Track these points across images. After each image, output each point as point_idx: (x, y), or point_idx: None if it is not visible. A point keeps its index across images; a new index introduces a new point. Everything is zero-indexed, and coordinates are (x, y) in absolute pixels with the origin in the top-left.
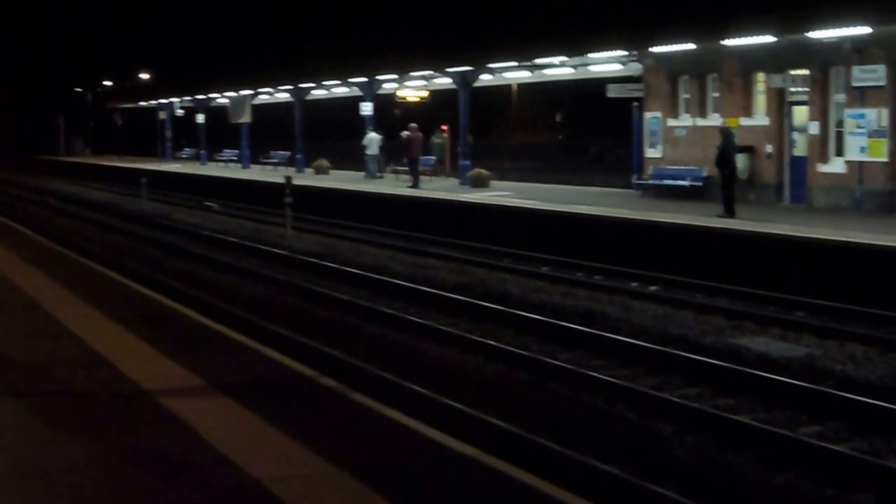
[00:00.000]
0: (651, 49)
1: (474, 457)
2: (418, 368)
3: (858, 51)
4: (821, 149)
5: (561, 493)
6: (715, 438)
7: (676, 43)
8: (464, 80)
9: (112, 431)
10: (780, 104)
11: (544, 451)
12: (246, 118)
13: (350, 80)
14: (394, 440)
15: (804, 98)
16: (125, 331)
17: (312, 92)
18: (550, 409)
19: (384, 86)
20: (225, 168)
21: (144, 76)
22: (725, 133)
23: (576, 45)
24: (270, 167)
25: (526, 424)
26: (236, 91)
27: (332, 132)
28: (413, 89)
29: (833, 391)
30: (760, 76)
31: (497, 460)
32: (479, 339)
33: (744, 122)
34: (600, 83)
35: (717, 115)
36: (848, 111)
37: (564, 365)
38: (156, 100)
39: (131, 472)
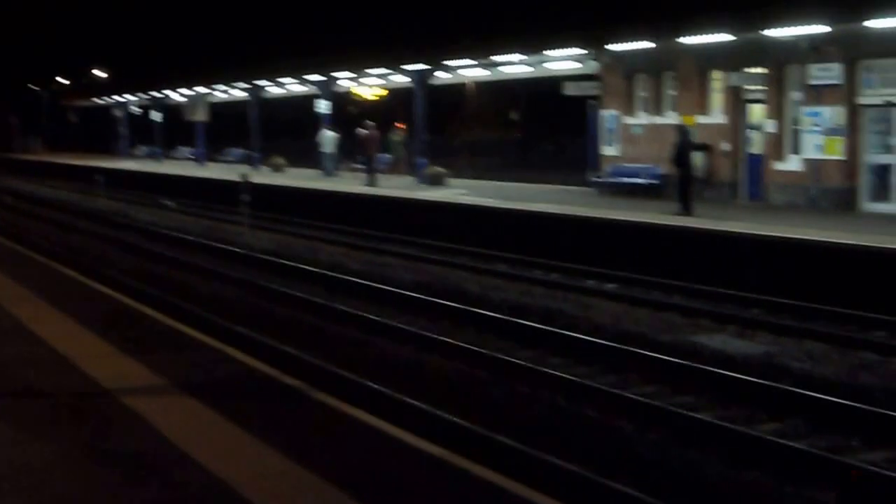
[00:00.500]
0: (608, 47)
1: (440, 456)
2: (378, 367)
3: (815, 49)
4: (777, 147)
5: (525, 491)
6: (675, 436)
7: (633, 41)
8: (421, 78)
9: (74, 431)
10: (737, 102)
11: (508, 449)
12: (202, 116)
13: (306, 78)
14: (358, 439)
15: (760, 96)
16: (85, 330)
17: (269, 90)
18: (511, 407)
19: (341, 83)
20: (181, 166)
21: (100, 74)
22: (682, 131)
23: (533, 43)
24: (226, 165)
25: (488, 423)
26: (192, 89)
27: (288, 130)
28: (370, 87)
29: (791, 388)
30: (717, 74)
31: (462, 459)
32: (438, 337)
33: (700, 120)
34: (557, 81)
35: (673, 113)
36: (804, 109)
37: (524, 363)
38: (111, 97)
39: (95, 471)
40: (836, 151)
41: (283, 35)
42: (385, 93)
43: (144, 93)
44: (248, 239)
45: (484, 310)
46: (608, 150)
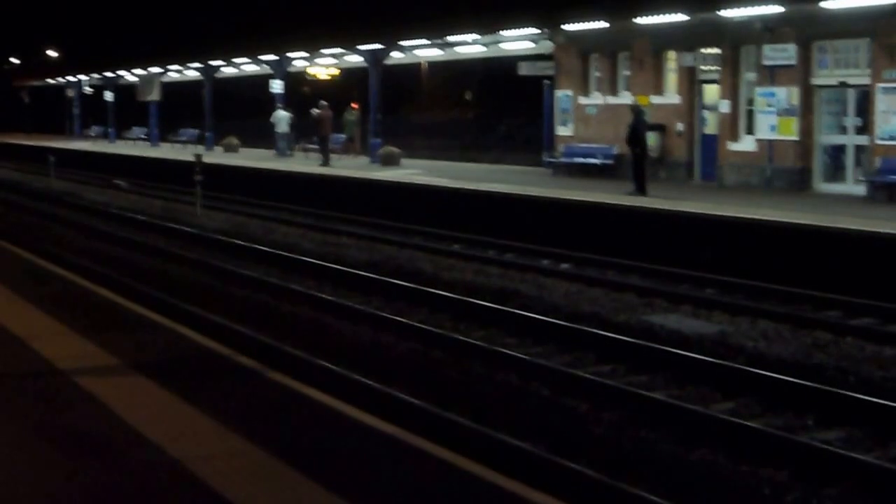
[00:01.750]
0: (563, 27)
1: (394, 434)
2: (332, 346)
3: (769, 29)
4: (731, 127)
5: (480, 469)
6: (629, 415)
7: (588, 21)
8: (375, 58)
9: (28, 411)
10: (691, 82)
11: (462, 428)
12: (154, 96)
13: (260, 57)
14: (312, 418)
15: (715, 76)
16: (37, 310)
17: (222, 69)
18: (465, 386)
19: (294, 63)
20: (134, 146)
21: (52, 53)
22: (636, 111)
23: (488, 23)
24: (180, 145)
25: (442, 402)
26: (145, 68)
27: (242, 110)
28: (324, 67)
29: (745, 367)
30: (671, 54)
31: (417, 437)
32: (392, 316)
33: (655, 100)
34: (512, 61)
35: (628, 93)
36: (758, 90)
37: (478, 342)
38: (64, 77)
39: (49, 452)
40: (790, 132)
41: (237, 14)
42: (338, 73)
43: (97, 72)
44: (201, 219)
45: (438, 289)
46: (563, 131)
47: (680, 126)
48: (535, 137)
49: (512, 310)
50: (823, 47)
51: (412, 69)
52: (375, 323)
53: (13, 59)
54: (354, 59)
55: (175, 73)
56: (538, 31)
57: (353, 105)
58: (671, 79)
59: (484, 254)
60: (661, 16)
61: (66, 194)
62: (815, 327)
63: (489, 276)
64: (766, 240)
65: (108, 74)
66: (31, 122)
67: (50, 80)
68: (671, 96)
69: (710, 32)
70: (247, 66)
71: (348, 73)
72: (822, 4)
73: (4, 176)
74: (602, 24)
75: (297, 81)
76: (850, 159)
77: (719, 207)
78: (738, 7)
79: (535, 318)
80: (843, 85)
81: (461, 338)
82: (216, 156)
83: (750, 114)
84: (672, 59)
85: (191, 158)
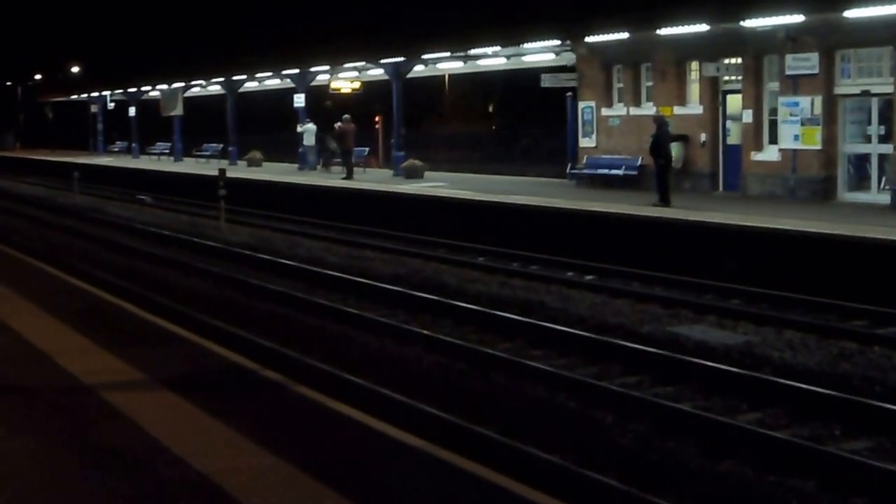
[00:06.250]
0: (585, 39)
1: (421, 447)
2: (358, 360)
3: (792, 39)
4: (755, 137)
5: (507, 482)
6: (656, 427)
7: (610, 32)
8: (397, 72)
9: (55, 426)
10: (714, 93)
11: (489, 441)
12: (178, 111)
13: (283, 71)
14: (339, 432)
15: (738, 86)
16: (63, 325)
17: (245, 84)
18: (491, 399)
19: (317, 77)
20: (157, 161)
21: (75, 69)
22: (660, 122)
23: (510, 35)
24: (203, 160)
25: (468, 415)
26: (168, 84)
27: (265, 124)
28: (346, 81)
29: (772, 378)
30: (694, 65)
31: (443, 450)
32: (417, 329)
33: (678, 110)
34: (534, 73)
35: (650, 103)
36: (781, 99)
37: (503, 355)
38: (87, 93)
39: (76, 467)
40: (813, 141)
41: (260, 28)
42: (360, 86)
43: (120, 88)
44: (225, 233)
45: (463, 302)
46: (585, 142)
47: (703, 136)
48: (558, 149)
49: (537, 322)
50: (846, 56)
51: (435, 82)
52: (400, 336)
53: (37, 76)
54: (377, 73)
55: (198, 87)
56: (560, 43)
57: (377, 118)
58: (694, 89)
59: (508, 266)
60: (684, 26)
61: (90, 210)
62: (841, 337)
63: (514, 288)
64: (791, 250)
65: (132, 90)
66: (54, 137)
67: (73, 96)
68: (694, 107)
69: (732, 42)
70: (269, 81)
71: (371, 87)
72: (844, 13)
73: (29, 192)
74: (624, 36)
75: (319, 95)
76: (874, 168)
77: (743, 218)
78: (761, 17)
79: (560, 329)
80: (867, 94)
81: (487, 350)
82: (240, 170)
83: (773, 123)
84: (695, 70)
85: (214, 173)
